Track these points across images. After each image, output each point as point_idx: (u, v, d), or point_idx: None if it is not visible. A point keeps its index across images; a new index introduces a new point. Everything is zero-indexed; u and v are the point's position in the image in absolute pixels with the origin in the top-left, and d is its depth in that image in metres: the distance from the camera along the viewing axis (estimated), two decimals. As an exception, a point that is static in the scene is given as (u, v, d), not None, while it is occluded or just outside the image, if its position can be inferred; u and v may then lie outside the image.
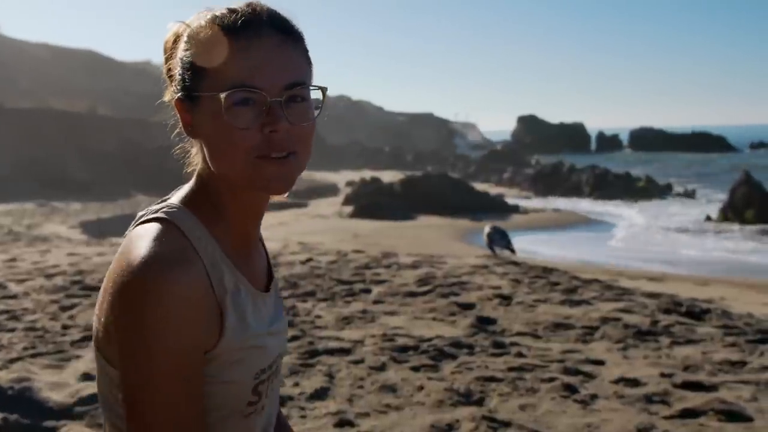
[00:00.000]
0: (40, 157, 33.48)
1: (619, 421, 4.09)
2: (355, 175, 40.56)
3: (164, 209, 1.34)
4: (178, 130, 1.40)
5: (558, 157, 57.42)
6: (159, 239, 1.26)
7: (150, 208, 1.37)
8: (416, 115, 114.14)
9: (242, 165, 1.28)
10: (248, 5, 1.31)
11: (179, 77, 1.33)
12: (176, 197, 1.39)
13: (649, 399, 4.45)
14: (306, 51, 1.36)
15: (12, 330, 5.88)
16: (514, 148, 77.17)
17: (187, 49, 1.32)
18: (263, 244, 1.58)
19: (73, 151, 35.41)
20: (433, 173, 34.44)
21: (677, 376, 4.87)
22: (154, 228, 1.29)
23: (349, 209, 25.61)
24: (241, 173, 1.29)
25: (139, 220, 1.35)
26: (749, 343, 5.80)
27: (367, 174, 38.95)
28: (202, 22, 1.31)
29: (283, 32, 1.31)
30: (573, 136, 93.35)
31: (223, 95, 1.25)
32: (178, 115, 1.36)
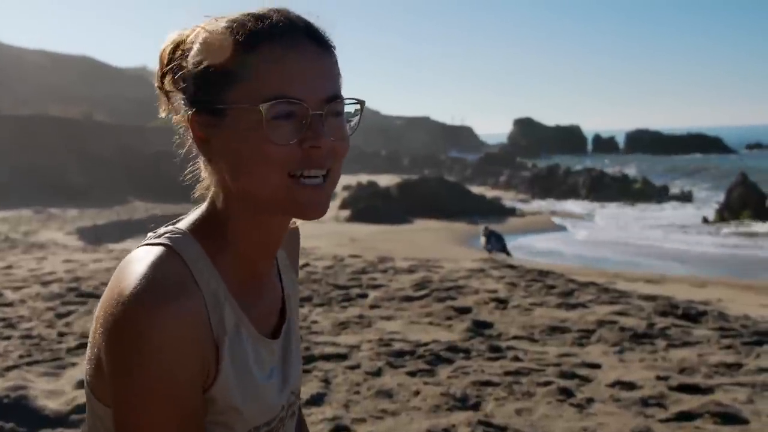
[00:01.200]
0: (37, 163, 33.45)
1: (615, 424, 4.10)
2: (352, 179, 40.46)
3: (168, 234, 1.22)
4: (185, 149, 1.27)
5: (554, 160, 57.55)
6: (156, 266, 1.14)
7: (156, 231, 1.25)
8: (412, 118, 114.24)
9: (276, 185, 1.16)
10: (278, 12, 1.19)
11: (193, 88, 1.19)
12: (185, 222, 1.27)
13: (645, 402, 4.45)
14: (338, 63, 1.24)
15: (8, 338, 5.87)
16: (511, 150, 77.17)
17: (204, 58, 1.18)
18: (282, 278, 1.42)
19: (70, 157, 35.37)
20: (430, 177, 34.50)
21: (673, 378, 4.88)
22: (152, 253, 1.17)
23: (345, 213, 25.63)
24: (274, 195, 1.17)
25: (142, 244, 1.22)
26: (745, 345, 5.81)
27: (364, 178, 38.92)
28: (221, 27, 1.17)
29: (319, 42, 1.20)
30: (569, 138, 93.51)
31: (264, 107, 1.12)
32: (191, 131, 1.22)
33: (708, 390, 4.66)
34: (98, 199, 29.58)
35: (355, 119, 1.25)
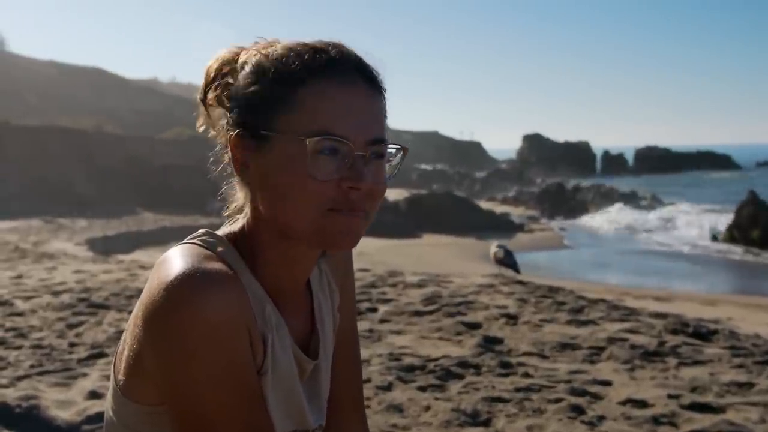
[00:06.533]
0: (47, 173, 33.58)
1: (627, 442, 4.08)
2: (361, 193, 40.47)
3: (204, 237, 1.22)
4: (220, 168, 1.27)
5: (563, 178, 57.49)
6: (196, 258, 1.12)
7: (191, 236, 1.25)
8: (421, 133, 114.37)
9: (312, 218, 1.14)
10: (333, 46, 1.18)
11: (239, 109, 1.18)
12: (221, 230, 1.27)
13: (656, 420, 4.43)
14: (386, 106, 1.23)
15: (19, 347, 5.89)
16: (519, 166, 77.15)
17: (255, 81, 1.17)
18: (314, 299, 1.37)
19: (79, 168, 35.49)
20: (438, 191, 34.51)
21: (685, 397, 4.85)
22: (190, 249, 1.16)
23: (354, 227, 25.58)
24: (309, 227, 1.15)
25: (177, 245, 1.22)
26: (757, 364, 5.78)
27: (372, 192, 38.92)
28: (277, 54, 1.17)
29: (370, 82, 1.18)
30: (578, 154, 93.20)
31: (311, 141, 1.11)
32: (231, 152, 1.20)
33: (720, 409, 4.64)
34: (107, 210, 29.64)
35: (396, 161, 1.25)
